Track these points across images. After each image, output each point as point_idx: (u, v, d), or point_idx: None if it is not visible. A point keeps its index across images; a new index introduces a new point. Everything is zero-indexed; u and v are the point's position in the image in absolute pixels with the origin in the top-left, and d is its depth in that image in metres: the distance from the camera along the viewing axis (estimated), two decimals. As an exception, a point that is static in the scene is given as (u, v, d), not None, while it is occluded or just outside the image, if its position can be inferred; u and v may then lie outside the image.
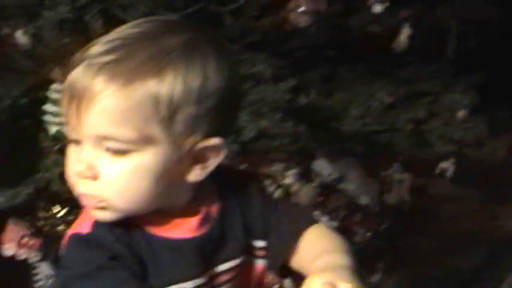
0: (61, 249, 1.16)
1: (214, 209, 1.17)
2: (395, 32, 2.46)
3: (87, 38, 2.10)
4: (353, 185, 2.73)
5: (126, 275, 1.10)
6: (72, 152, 1.13)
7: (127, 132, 1.05)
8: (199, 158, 1.10)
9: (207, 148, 1.10)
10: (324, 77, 2.59)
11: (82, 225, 1.15)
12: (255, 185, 1.25)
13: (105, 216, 1.10)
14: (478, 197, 3.04)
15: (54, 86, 2.11)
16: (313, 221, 1.22)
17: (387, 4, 2.35)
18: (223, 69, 1.10)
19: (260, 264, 1.23)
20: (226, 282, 1.19)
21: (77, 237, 1.13)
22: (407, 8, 2.45)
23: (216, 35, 1.31)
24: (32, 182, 2.04)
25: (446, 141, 2.44)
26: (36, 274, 2.23)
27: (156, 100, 1.05)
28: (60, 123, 2.11)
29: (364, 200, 2.73)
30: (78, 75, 1.06)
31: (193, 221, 1.15)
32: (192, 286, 1.15)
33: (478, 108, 2.82)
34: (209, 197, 1.17)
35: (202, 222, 1.16)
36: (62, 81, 2.05)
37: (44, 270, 2.23)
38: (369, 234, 2.58)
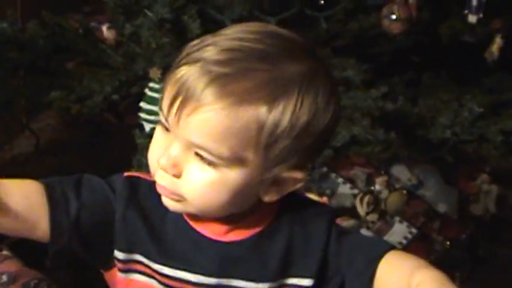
0: None
1: (258, 227, 1.15)
2: (488, 42, 2.44)
3: (184, 38, 2.13)
4: (431, 191, 2.72)
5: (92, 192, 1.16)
6: (159, 135, 1.11)
7: (222, 149, 1.04)
8: (278, 183, 1.10)
9: (290, 177, 1.10)
10: (409, 82, 2.58)
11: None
12: (322, 218, 1.18)
13: (176, 207, 1.11)
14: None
15: (151, 85, 2.14)
16: (389, 247, 1.15)
17: (481, 16, 2.33)
18: (331, 110, 1.08)
19: None
20: None
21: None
22: (499, 18, 2.42)
23: (312, 41, 1.30)
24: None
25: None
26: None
27: (260, 127, 1.03)
28: (156, 121, 2.14)
29: (442, 207, 2.72)
30: (190, 75, 1.04)
31: (226, 227, 1.15)
32: (196, 281, 1.14)
33: None
34: (261, 214, 1.15)
35: (236, 232, 1.15)
36: (159, 81, 2.10)
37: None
38: (448, 242, 2.57)
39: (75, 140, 2.82)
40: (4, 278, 1.76)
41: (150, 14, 2.10)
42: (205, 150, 1.05)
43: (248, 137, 1.04)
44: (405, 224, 2.60)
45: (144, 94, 2.15)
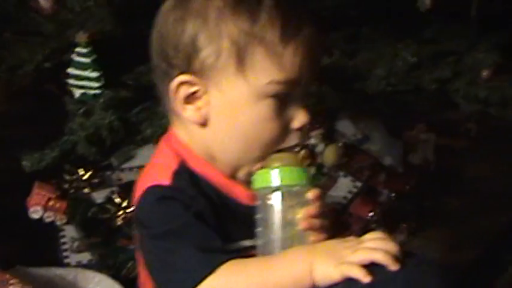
0: (139, 202, 1.21)
1: None
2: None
3: (109, 1, 2.10)
4: (377, 145, 2.72)
5: (209, 231, 1.16)
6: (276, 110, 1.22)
7: None
8: None
9: None
10: (348, 37, 2.57)
11: (161, 175, 1.20)
12: None
13: None
14: (504, 156, 3.02)
15: (78, 50, 2.11)
16: None
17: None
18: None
19: None
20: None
21: (159, 193, 1.18)
22: (430, -32, 2.41)
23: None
24: (57, 145, 2.05)
25: (470, 100, 2.42)
26: (62, 236, 2.25)
27: None
28: (85, 87, 2.12)
29: (388, 160, 2.72)
30: None
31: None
32: (243, 246, 1.21)
33: (502, 67, 2.80)
34: None
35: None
36: (86, 45, 2.07)
37: (70, 233, 2.25)
38: (393, 194, 2.57)
39: (18, 112, 2.78)
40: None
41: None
42: None
43: None
44: (349, 178, 2.59)
45: (72, 60, 2.13)
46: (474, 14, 3.43)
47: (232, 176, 1.26)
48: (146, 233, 1.19)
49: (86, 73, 2.11)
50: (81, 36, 2.08)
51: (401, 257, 1.09)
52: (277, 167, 1.19)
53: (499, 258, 2.44)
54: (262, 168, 1.22)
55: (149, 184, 1.20)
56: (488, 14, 3.37)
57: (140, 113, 2.10)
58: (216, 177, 1.24)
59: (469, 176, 2.86)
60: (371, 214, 2.47)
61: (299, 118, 1.23)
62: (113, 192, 2.25)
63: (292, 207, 1.19)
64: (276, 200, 1.19)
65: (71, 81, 2.13)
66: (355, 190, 2.58)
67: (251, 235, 1.22)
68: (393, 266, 1.07)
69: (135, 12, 2.24)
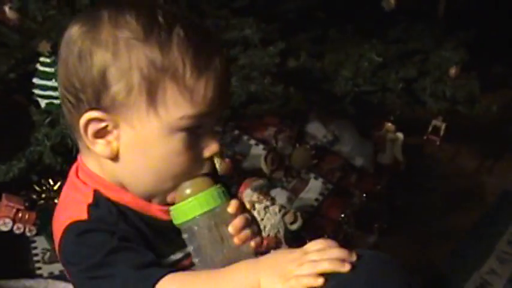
0: (60, 243, 1.17)
1: None
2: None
3: (73, 9, 2.09)
4: (347, 146, 2.73)
5: (139, 249, 1.14)
6: (189, 141, 1.19)
7: None
8: None
9: None
10: (314, 39, 2.58)
11: (77, 211, 1.16)
12: None
13: None
14: (473, 153, 3.04)
15: (42, 59, 2.10)
16: None
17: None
18: None
19: None
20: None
21: (78, 228, 1.14)
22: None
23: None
24: (24, 156, 2.04)
25: (438, 99, 2.43)
26: (34, 248, 2.24)
27: None
28: (50, 97, 2.11)
29: (359, 161, 2.73)
30: None
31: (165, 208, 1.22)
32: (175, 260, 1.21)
33: (469, 65, 2.81)
34: None
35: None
36: (50, 55, 2.06)
37: (41, 244, 2.24)
38: (364, 195, 2.58)
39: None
40: None
41: (33, -13, 2.06)
42: None
43: None
44: (320, 180, 2.60)
45: (36, 70, 2.12)
46: (440, 13, 3.46)
47: (147, 200, 1.24)
48: (76, 270, 1.16)
49: (51, 83, 2.09)
50: (44, 46, 2.07)
51: (355, 258, 1.09)
52: (190, 198, 1.19)
53: (469, 255, 2.45)
54: (176, 199, 1.21)
55: (67, 223, 1.16)
56: (454, 12, 3.40)
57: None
58: (131, 201, 1.21)
59: (438, 174, 2.87)
60: (343, 215, 2.47)
61: (210, 147, 1.20)
62: (83, 201, 2.24)
63: (218, 226, 1.19)
64: (201, 228, 1.19)
65: (37, 91, 2.12)
66: (326, 192, 2.59)
67: (178, 247, 1.22)
68: (343, 269, 1.07)
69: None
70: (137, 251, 1.13)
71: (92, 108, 1.15)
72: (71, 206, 1.19)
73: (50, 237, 2.21)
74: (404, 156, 2.70)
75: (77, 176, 1.24)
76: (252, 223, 1.23)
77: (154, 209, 1.23)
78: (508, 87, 3.53)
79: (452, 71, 2.74)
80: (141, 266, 1.11)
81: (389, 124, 2.65)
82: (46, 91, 2.10)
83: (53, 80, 2.09)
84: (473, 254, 2.45)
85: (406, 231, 2.51)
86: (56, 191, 2.32)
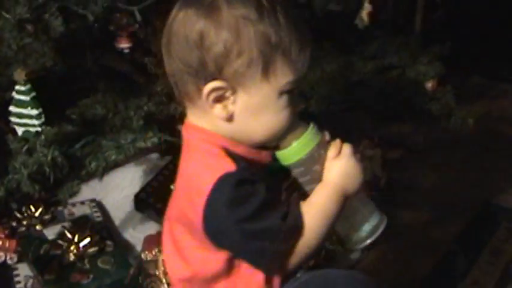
0: (212, 196, 1.36)
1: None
2: (356, 9, 2.45)
3: (48, 37, 2.09)
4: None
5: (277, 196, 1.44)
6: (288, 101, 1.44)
7: None
8: None
9: None
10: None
11: (221, 164, 1.38)
12: None
13: None
14: (452, 166, 3.05)
15: (17, 87, 2.10)
16: None
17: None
18: None
19: None
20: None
21: (233, 177, 1.36)
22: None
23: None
24: (2, 184, 2.04)
25: (415, 112, 2.45)
26: (16, 275, 2.23)
27: None
28: (26, 124, 2.11)
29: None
30: None
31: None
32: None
33: (446, 78, 2.83)
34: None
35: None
36: (25, 83, 2.06)
37: (23, 271, 2.23)
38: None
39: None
40: None
41: (7, 15, 2.06)
42: None
43: None
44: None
45: (13, 98, 2.12)
46: (419, 27, 3.48)
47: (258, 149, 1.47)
48: (232, 222, 1.35)
49: (26, 111, 2.10)
50: (20, 74, 2.08)
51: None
52: (301, 138, 1.45)
53: (453, 268, 2.45)
54: (284, 144, 1.46)
55: (216, 177, 1.35)
56: (429, 27, 3.42)
57: (84, 147, 2.10)
58: (245, 151, 1.44)
59: (418, 188, 2.88)
60: (325, 232, 2.47)
61: (299, 103, 1.48)
62: (64, 228, 2.24)
63: (323, 153, 1.47)
64: (314, 158, 1.46)
65: (13, 119, 2.12)
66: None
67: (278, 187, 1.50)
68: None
69: (76, 46, 2.24)
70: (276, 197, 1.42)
71: (215, 79, 1.37)
72: (213, 164, 1.40)
73: (32, 264, 2.20)
74: (384, 171, 2.70)
75: (198, 139, 1.45)
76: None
77: (263, 155, 1.47)
78: (485, 98, 3.55)
79: (430, 84, 2.76)
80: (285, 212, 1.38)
81: (367, 140, 2.66)
82: (22, 119, 2.11)
83: (29, 108, 2.09)
84: (456, 267, 2.46)
85: (388, 246, 2.51)
86: (37, 217, 2.32)
